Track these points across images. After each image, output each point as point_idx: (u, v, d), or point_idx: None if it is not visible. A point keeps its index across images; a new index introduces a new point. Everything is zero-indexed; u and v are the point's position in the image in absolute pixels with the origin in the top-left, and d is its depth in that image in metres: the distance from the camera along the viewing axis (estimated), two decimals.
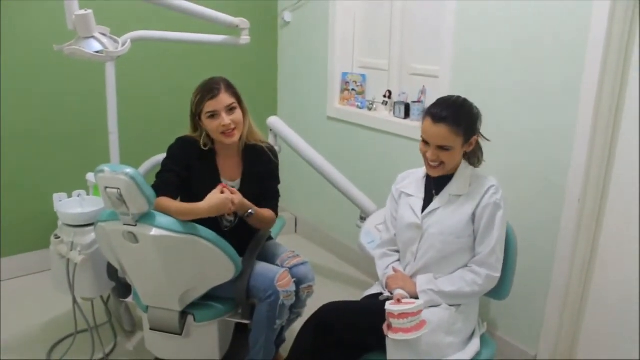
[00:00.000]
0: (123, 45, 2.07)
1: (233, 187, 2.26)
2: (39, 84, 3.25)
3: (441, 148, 1.94)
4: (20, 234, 3.37)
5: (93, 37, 1.99)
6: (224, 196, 2.08)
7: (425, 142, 1.98)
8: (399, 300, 1.87)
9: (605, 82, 2.12)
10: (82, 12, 1.94)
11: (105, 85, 2.73)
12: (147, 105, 3.64)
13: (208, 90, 2.15)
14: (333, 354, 1.92)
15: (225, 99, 2.16)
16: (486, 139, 2.08)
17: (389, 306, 1.84)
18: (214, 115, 2.15)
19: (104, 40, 2.01)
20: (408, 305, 1.82)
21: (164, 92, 3.69)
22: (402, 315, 1.80)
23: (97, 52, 2.00)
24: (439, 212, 2.01)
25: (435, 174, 2.01)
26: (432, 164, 1.98)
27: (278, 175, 2.40)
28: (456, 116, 1.92)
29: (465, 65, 2.65)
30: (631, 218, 2.18)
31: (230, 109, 2.17)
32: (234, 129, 2.18)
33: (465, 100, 2.00)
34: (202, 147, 2.24)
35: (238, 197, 2.12)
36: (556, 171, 2.31)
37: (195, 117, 2.22)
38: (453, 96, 2.03)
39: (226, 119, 2.15)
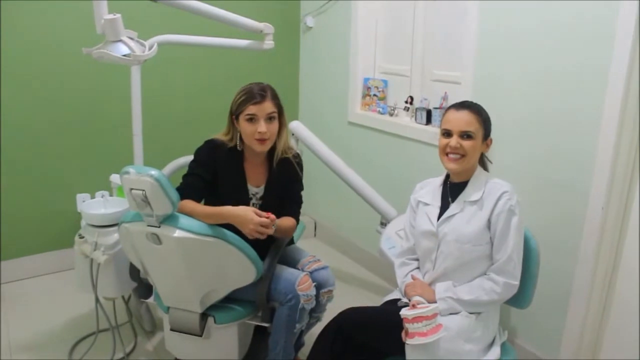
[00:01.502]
0: (150, 49, 2.09)
1: (257, 192, 2.28)
2: (64, 85, 3.30)
3: (464, 136, 1.96)
4: (42, 233, 3.42)
5: (121, 40, 2.02)
6: (257, 218, 2.03)
7: (445, 134, 2.00)
8: (414, 306, 1.87)
9: (633, 77, 2.09)
10: (111, 16, 1.96)
11: (130, 87, 2.77)
12: (170, 107, 3.68)
13: (254, 94, 2.15)
14: (351, 359, 1.92)
15: (268, 106, 2.16)
16: (489, 160, 2.13)
17: (404, 311, 1.84)
18: (252, 119, 2.15)
19: (132, 43, 2.03)
20: (422, 309, 1.82)
21: (187, 95, 3.72)
22: (417, 318, 1.80)
23: (125, 55, 2.02)
24: (454, 220, 2.01)
25: (455, 167, 1.99)
26: (452, 155, 1.98)
27: (302, 182, 2.40)
28: (478, 107, 2.02)
29: (487, 71, 2.64)
30: None
31: (269, 118, 2.17)
32: (267, 139, 2.18)
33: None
34: (235, 148, 2.24)
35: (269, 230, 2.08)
36: (580, 178, 2.29)
37: (233, 116, 2.23)
38: None
39: (264, 126, 2.15)
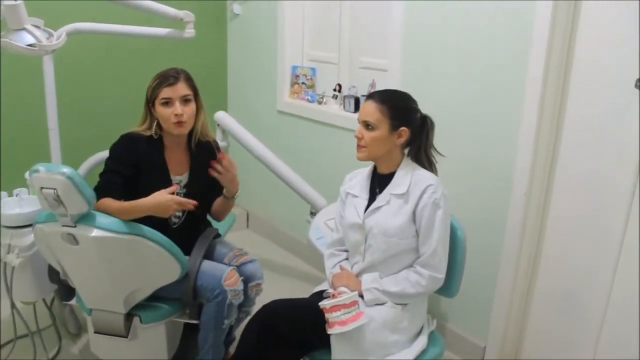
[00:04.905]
0: (58, 38, 1.98)
1: (180, 180, 2.24)
2: None
3: (366, 126, 1.94)
4: None
5: (24, 29, 1.89)
6: (170, 196, 2.02)
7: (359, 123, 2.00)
8: (334, 296, 1.85)
9: (550, 69, 2.15)
10: (12, 2, 1.83)
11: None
12: (89, 100, 3.52)
13: (167, 77, 2.12)
14: (277, 353, 1.88)
15: (182, 88, 2.13)
16: (440, 153, 2.06)
17: (322, 302, 1.82)
18: (168, 103, 2.12)
19: (37, 32, 1.91)
20: (340, 297, 1.81)
21: (107, 87, 3.58)
22: (335, 307, 1.79)
23: (30, 45, 1.90)
24: (380, 212, 1.98)
25: (359, 156, 2.00)
26: (357, 142, 1.98)
27: None
28: (384, 97, 1.96)
29: (414, 58, 2.64)
30: (576, 211, 2.22)
31: (185, 100, 2.14)
32: (185, 121, 2.14)
33: (403, 92, 2.03)
34: (152, 137, 2.19)
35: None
36: (504, 165, 2.33)
37: (149, 104, 2.17)
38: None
39: (179, 108, 2.11)
